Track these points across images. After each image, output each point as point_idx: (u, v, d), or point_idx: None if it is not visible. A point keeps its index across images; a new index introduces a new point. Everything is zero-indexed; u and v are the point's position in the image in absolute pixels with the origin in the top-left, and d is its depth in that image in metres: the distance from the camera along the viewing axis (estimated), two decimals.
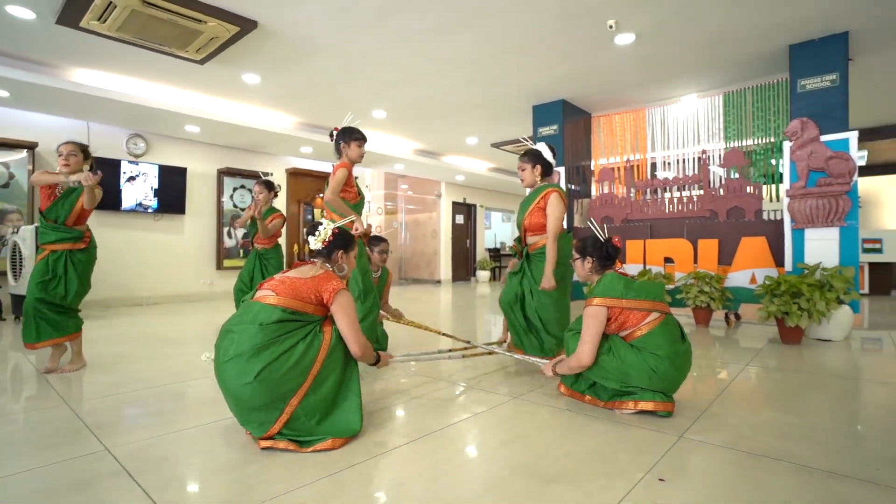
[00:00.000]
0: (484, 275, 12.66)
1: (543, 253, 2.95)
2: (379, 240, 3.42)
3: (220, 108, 6.15)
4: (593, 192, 6.33)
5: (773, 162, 4.85)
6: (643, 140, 6.01)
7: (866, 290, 7.79)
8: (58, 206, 3.03)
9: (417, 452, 1.78)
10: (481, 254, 13.23)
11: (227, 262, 7.48)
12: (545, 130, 6.27)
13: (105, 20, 3.73)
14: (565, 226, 6.10)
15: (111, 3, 3.50)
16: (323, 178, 8.92)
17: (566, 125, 6.16)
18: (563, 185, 6.06)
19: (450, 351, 3.08)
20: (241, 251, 7.64)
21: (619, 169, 6.10)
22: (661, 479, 1.56)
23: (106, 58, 4.71)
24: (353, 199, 3.10)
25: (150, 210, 6.67)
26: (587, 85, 5.54)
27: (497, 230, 15.25)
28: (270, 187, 4.60)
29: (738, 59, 4.76)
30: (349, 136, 3.08)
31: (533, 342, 3.01)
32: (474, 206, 12.93)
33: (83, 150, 3.08)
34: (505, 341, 3.47)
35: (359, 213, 3.12)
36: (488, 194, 13.25)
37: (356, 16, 3.91)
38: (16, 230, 5.11)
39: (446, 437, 1.94)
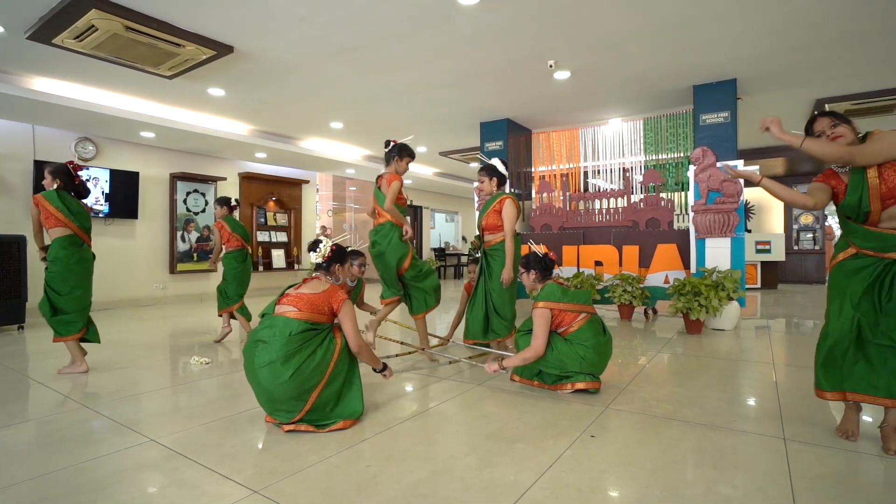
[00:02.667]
0: None
1: (497, 249, 3.50)
2: (357, 254, 3.86)
3: (179, 116, 6.24)
4: (533, 200, 7.05)
5: (685, 172, 5.76)
6: (577, 153, 6.82)
7: (759, 284, 9.13)
8: None
9: (412, 428, 2.29)
10: (427, 253, 13.77)
11: (180, 267, 7.51)
12: (491, 145, 6.90)
13: (83, 40, 3.87)
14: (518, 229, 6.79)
15: (93, 26, 3.67)
16: (276, 181, 9.08)
17: (510, 139, 6.82)
18: (507, 188, 6.71)
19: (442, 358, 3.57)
20: (195, 255, 7.68)
21: (556, 176, 6.85)
22: (592, 436, 2.17)
23: (67, 68, 4.75)
24: (404, 203, 3.57)
25: (100, 215, 6.61)
26: (529, 107, 6.22)
27: (441, 230, 15.84)
28: (225, 203, 4.62)
29: (654, 93, 5.61)
30: (405, 153, 3.54)
31: (487, 328, 3.53)
32: (420, 207, 13.44)
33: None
34: (449, 341, 4.06)
35: (405, 215, 3.58)
36: (433, 196, 13.80)
37: (325, 47, 4.30)
38: None
39: (431, 416, 2.46)
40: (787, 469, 1.83)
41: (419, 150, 8.80)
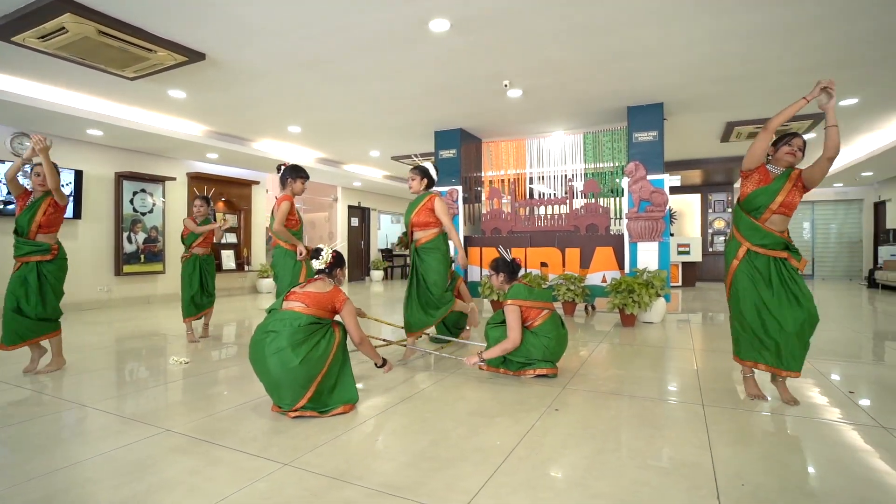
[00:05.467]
0: (378, 274, 13.43)
1: (431, 247, 3.71)
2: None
3: (132, 115, 6.11)
4: (483, 205, 7.53)
5: (619, 181, 6.45)
6: (523, 161, 7.39)
7: (680, 283, 10.20)
8: (20, 219, 3.37)
9: (405, 409, 2.63)
10: (375, 254, 13.97)
11: (126, 268, 7.28)
12: (445, 153, 7.30)
13: (49, 40, 3.83)
14: (468, 232, 7.23)
15: (63, 28, 3.65)
16: (226, 182, 8.96)
17: (462, 147, 7.27)
18: (461, 194, 7.14)
19: (431, 352, 3.86)
20: (143, 256, 7.47)
21: (504, 181, 7.38)
22: (556, 409, 2.62)
23: (11, 62, 4.57)
24: (295, 226, 3.76)
25: None
26: (482, 119, 6.69)
27: (387, 231, 16.06)
28: (209, 202, 5.02)
29: (594, 111, 6.26)
30: (296, 174, 3.74)
31: (427, 300, 3.77)
32: (368, 209, 13.61)
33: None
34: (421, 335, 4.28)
35: (300, 237, 3.79)
36: (381, 198, 14.01)
37: (296, 58, 4.50)
38: None
39: (418, 399, 2.81)
40: (704, 425, 2.37)
41: (372, 153, 9.04)
